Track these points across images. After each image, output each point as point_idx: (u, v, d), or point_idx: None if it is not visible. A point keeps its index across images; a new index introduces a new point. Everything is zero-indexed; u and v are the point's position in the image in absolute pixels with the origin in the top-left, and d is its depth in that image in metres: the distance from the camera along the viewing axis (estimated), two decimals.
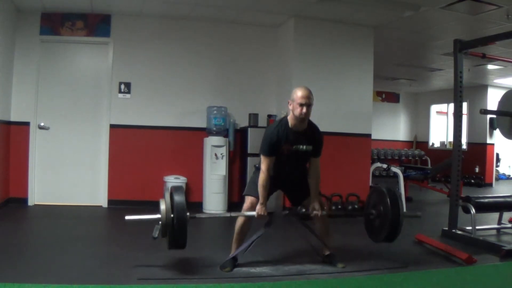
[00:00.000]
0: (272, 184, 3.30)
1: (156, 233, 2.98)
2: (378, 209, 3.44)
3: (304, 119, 3.23)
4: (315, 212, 3.31)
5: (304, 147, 3.26)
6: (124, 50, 5.88)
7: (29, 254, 3.43)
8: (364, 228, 3.62)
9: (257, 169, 3.33)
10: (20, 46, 5.60)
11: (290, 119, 3.26)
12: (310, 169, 3.37)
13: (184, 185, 5.70)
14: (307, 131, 3.29)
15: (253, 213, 3.21)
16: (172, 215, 2.92)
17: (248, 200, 3.30)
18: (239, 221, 3.33)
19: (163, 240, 3.07)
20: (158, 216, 2.99)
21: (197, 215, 3.24)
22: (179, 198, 2.97)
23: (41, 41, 5.68)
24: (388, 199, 3.35)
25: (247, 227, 3.34)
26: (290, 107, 3.23)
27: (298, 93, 3.19)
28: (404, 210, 6.14)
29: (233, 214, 3.34)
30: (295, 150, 3.25)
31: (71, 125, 5.78)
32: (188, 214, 2.98)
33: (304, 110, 3.16)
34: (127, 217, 3.08)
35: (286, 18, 5.91)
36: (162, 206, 2.99)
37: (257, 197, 3.25)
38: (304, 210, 3.39)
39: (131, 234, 4.29)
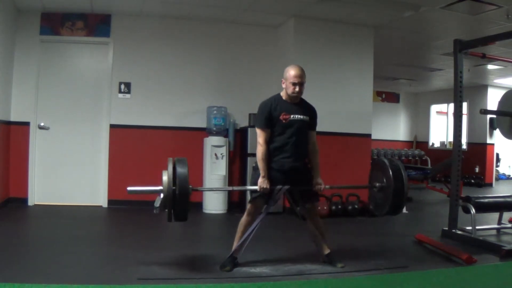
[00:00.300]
0: (279, 178, 3.26)
1: (158, 203, 2.98)
2: (382, 181, 3.41)
3: (297, 97, 3.30)
4: (318, 186, 3.32)
5: (302, 116, 3.30)
6: (124, 50, 5.88)
7: (29, 254, 3.43)
8: (369, 202, 3.56)
9: (255, 169, 3.32)
10: (20, 46, 5.60)
11: (283, 94, 3.35)
12: (309, 145, 3.39)
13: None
14: (301, 104, 3.36)
15: (256, 187, 3.22)
16: (174, 187, 2.92)
17: (251, 205, 3.31)
18: (243, 220, 3.32)
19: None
20: (160, 187, 2.99)
21: (199, 188, 3.23)
22: (181, 170, 2.97)
23: (41, 41, 5.68)
24: (390, 170, 3.33)
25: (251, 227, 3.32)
26: (283, 86, 3.32)
27: (291, 72, 3.25)
28: (404, 210, 6.21)
29: (235, 188, 3.35)
30: (293, 120, 3.27)
31: (71, 125, 5.78)
32: (190, 186, 2.98)
33: (297, 88, 3.24)
34: (129, 188, 3.10)
35: (286, 18, 5.91)
36: (164, 177, 2.99)
37: (261, 201, 3.26)
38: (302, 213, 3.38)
39: (131, 234, 4.30)
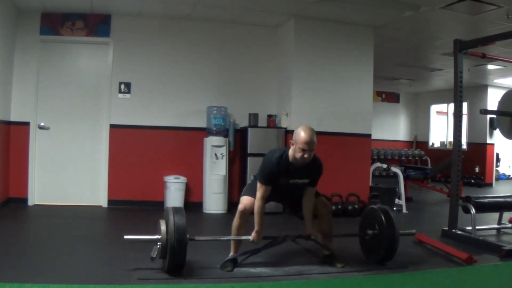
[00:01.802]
0: (268, 198, 3.31)
1: (154, 254, 2.99)
2: (374, 229, 3.45)
3: (305, 164, 3.18)
4: (313, 237, 3.35)
5: (301, 180, 3.28)
6: (124, 50, 5.88)
7: (29, 254, 3.43)
8: (360, 249, 3.63)
9: (255, 178, 3.34)
10: (20, 46, 5.60)
11: (291, 155, 3.19)
12: (304, 196, 3.36)
13: (184, 185, 5.70)
14: (308, 166, 3.23)
15: (250, 237, 3.24)
16: (172, 237, 2.91)
17: (242, 201, 3.31)
18: (235, 224, 3.32)
19: (162, 260, 3.07)
20: (158, 236, 3.00)
21: (196, 238, 3.25)
22: (179, 220, 2.97)
23: (41, 41, 5.68)
24: (383, 219, 3.36)
25: (244, 231, 3.33)
26: (292, 146, 3.17)
27: (302, 137, 3.08)
28: (404, 210, 6.22)
29: (230, 238, 3.35)
30: (292, 183, 3.27)
31: (71, 125, 5.78)
32: (187, 236, 2.98)
33: (306, 156, 3.10)
34: (125, 237, 3.09)
35: (286, 18, 5.91)
36: (163, 227, 2.99)
37: (251, 197, 3.27)
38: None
39: (131, 234, 4.29)
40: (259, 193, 3.21)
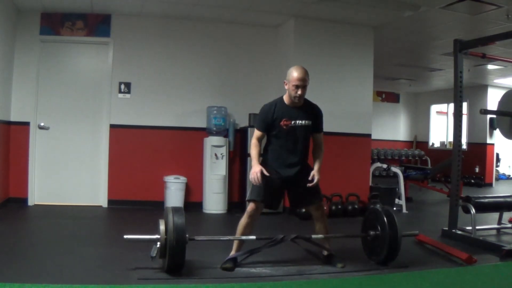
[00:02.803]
0: (277, 181, 3.27)
1: (154, 253, 2.99)
2: (376, 230, 3.45)
3: (299, 100, 3.24)
4: (313, 175, 3.26)
5: (304, 122, 3.27)
6: (124, 50, 5.88)
7: (29, 254, 3.43)
8: (363, 249, 3.62)
9: None
10: (20, 46, 5.60)
11: (286, 98, 3.29)
12: (313, 146, 3.37)
13: (184, 185, 5.70)
14: (305, 107, 3.30)
15: (251, 237, 3.25)
16: (171, 236, 2.91)
17: (251, 204, 3.30)
18: (242, 222, 3.33)
19: (161, 260, 3.07)
20: (157, 236, 3.00)
21: (196, 238, 3.25)
22: (179, 219, 2.97)
23: (41, 41, 5.68)
24: (386, 220, 3.36)
25: (250, 229, 3.34)
26: (286, 87, 3.26)
27: (294, 74, 3.20)
28: (404, 210, 6.22)
29: (231, 238, 3.35)
30: (294, 126, 3.25)
31: (71, 125, 5.78)
32: (187, 236, 2.98)
33: (299, 92, 3.18)
34: (125, 236, 3.09)
35: (286, 18, 5.91)
36: (162, 227, 3.00)
37: (260, 202, 3.26)
38: (303, 210, 3.38)
39: (131, 234, 4.29)
40: (254, 138, 3.27)
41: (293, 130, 3.26)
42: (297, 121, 3.25)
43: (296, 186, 3.35)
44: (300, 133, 3.29)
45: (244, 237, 3.29)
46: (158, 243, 2.99)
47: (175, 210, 3.07)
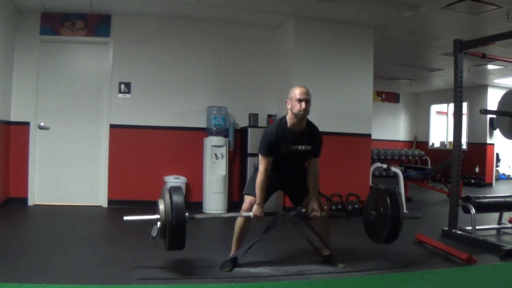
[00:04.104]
0: (272, 185, 3.31)
1: (154, 233, 2.98)
2: (378, 210, 3.43)
3: (303, 116, 3.21)
4: (314, 213, 3.29)
5: (303, 147, 3.26)
6: (124, 50, 5.88)
7: (29, 254, 3.43)
8: (364, 229, 3.62)
9: (256, 169, 3.32)
10: (20, 46, 5.60)
11: (289, 119, 3.26)
12: (308, 169, 3.36)
13: (184, 185, 5.70)
14: (306, 131, 3.28)
15: (251, 213, 3.21)
16: (171, 216, 2.91)
17: (248, 199, 3.30)
18: (239, 222, 3.33)
19: (163, 239, 3.07)
20: (157, 216, 2.98)
21: (196, 216, 3.24)
22: (178, 198, 2.96)
23: (41, 41, 5.68)
24: (388, 199, 3.34)
25: (247, 228, 3.34)
26: (289, 106, 3.23)
27: (296, 90, 3.22)
28: (404, 210, 6.21)
29: (232, 214, 3.33)
30: (294, 151, 3.25)
31: (71, 125, 5.78)
32: (187, 214, 2.97)
33: (303, 105, 3.16)
34: (125, 218, 3.07)
35: (286, 18, 5.91)
36: (161, 206, 2.97)
37: (255, 196, 3.25)
38: (303, 210, 3.37)
39: (131, 234, 4.29)
40: (261, 166, 3.21)
41: (292, 154, 3.27)
42: (298, 146, 3.25)
43: (291, 185, 3.41)
44: (299, 157, 3.31)
45: (245, 214, 3.25)
46: (158, 223, 2.96)
47: (174, 189, 3.05)
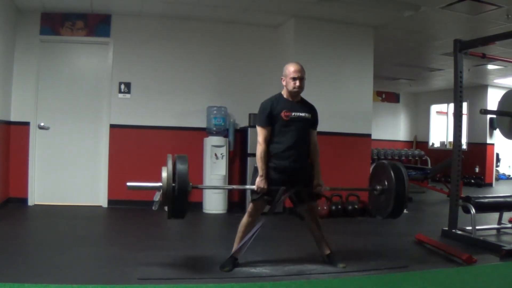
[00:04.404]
0: (278, 178, 3.24)
1: (157, 197, 2.96)
2: (383, 184, 3.40)
3: (298, 93, 3.28)
4: (318, 187, 3.30)
5: (304, 114, 3.29)
6: (124, 50, 5.88)
7: (29, 254, 3.43)
8: (369, 205, 3.56)
9: (256, 169, 3.31)
10: (20, 46, 5.60)
11: (284, 93, 3.33)
12: (310, 145, 3.38)
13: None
14: (302, 102, 3.35)
15: (253, 187, 3.21)
16: (173, 184, 2.89)
17: (252, 205, 3.29)
18: (244, 221, 3.33)
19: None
20: (160, 184, 2.97)
21: (199, 186, 3.22)
22: (181, 166, 2.94)
23: (41, 41, 5.68)
24: (392, 173, 3.32)
25: (252, 227, 3.33)
26: (284, 83, 3.30)
27: (291, 68, 3.26)
28: (404, 210, 6.21)
29: (235, 187, 3.32)
30: (295, 117, 3.25)
31: (71, 125, 5.78)
32: (190, 183, 2.96)
33: (298, 83, 3.22)
34: (128, 183, 3.08)
35: (286, 18, 5.91)
36: (164, 174, 2.96)
37: (263, 202, 3.24)
38: (302, 212, 3.36)
39: (131, 234, 4.30)
40: (260, 137, 3.24)
41: (293, 122, 3.25)
42: (298, 113, 3.27)
43: (296, 183, 3.34)
44: (300, 126, 3.28)
45: (248, 186, 3.25)
46: (161, 190, 2.95)
47: (178, 157, 3.04)
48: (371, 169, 3.72)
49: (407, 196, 3.32)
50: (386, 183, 3.39)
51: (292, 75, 3.23)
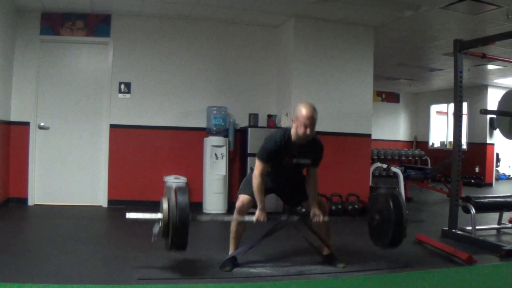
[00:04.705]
0: (266, 188, 3.30)
1: (156, 230, 2.96)
2: (382, 214, 3.42)
3: (308, 139, 3.19)
4: (316, 218, 3.30)
5: (305, 160, 3.28)
6: (124, 50, 5.88)
7: (29, 254, 3.42)
8: (368, 235, 3.60)
9: (253, 171, 3.33)
10: (20, 46, 5.60)
11: (293, 134, 3.21)
12: (308, 177, 3.36)
13: (184, 185, 5.70)
14: (310, 145, 3.26)
15: (253, 218, 3.21)
16: (175, 215, 2.89)
17: (240, 198, 3.30)
18: (233, 223, 3.33)
19: (164, 240, 3.07)
20: (160, 215, 2.97)
21: (198, 217, 3.23)
22: (182, 198, 2.94)
23: (41, 41, 5.68)
24: (391, 203, 3.33)
25: (242, 229, 3.34)
26: (294, 125, 3.18)
27: (303, 113, 3.11)
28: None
29: (234, 218, 3.32)
30: (296, 163, 3.27)
31: (71, 125, 5.78)
32: (190, 215, 2.96)
33: (308, 131, 3.11)
34: (128, 215, 3.04)
35: (286, 18, 5.91)
36: (165, 205, 2.96)
37: (249, 195, 3.26)
38: (304, 210, 3.38)
39: (131, 234, 4.30)
40: (257, 170, 3.20)
41: (293, 166, 3.29)
42: (300, 160, 3.26)
43: (288, 191, 3.44)
44: (299, 168, 3.37)
45: (247, 218, 3.25)
46: (161, 222, 2.94)
47: (179, 189, 3.04)
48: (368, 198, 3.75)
49: (406, 225, 3.32)
50: (384, 213, 3.40)
51: (303, 121, 3.10)
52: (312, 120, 3.11)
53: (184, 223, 2.89)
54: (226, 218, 3.55)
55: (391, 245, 3.38)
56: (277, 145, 3.19)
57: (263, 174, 3.21)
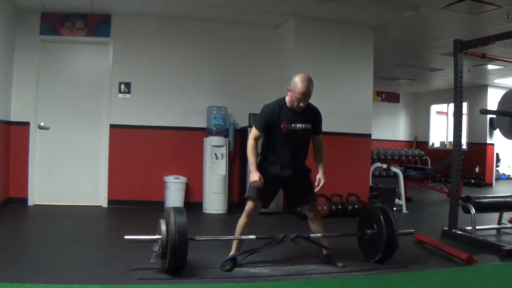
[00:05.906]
0: (274, 181, 3.30)
1: (156, 248, 2.97)
2: (372, 228, 3.45)
3: (301, 109, 3.24)
4: (319, 179, 3.32)
5: (303, 125, 3.27)
6: (124, 50, 5.88)
7: (29, 254, 3.43)
8: (359, 249, 3.62)
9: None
10: (20, 46, 5.60)
11: (288, 100, 3.27)
12: (314, 148, 3.39)
13: (184, 185, 5.70)
14: (304, 110, 3.28)
15: (252, 236, 3.26)
16: (174, 236, 2.89)
17: (248, 202, 3.31)
18: (241, 222, 3.34)
19: (162, 260, 3.07)
20: (158, 236, 2.98)
21: (197, 238, 3.24)
22: (180, 219, 2.95)
23: (41, 41, 5.68)
24: (382, 218, 3.36)
25: (248, 229, 3.35)
26: (289, 93, 3.24)
27: (299, 87, 3.14)
28: (404, 210, 6.22)
29: (231, 237, 3.35)
30: (294, 129, 3.25)
31: (71, 125, 5.78)
32: (188, 236, 2.96)
33: (302, 104, 3.19)
34: (126, 237, 3.06)
35: (286, 18, 5.91)
36: (163, 227, 2.97)
37: (257, 199, 3.27)
38: (303, 211, 3.38)
39: (131, 234, 4.29)
40: (251, 135, 3.26)
41: (292, 133, 3.26)
42: (297, 125, 3.25)
43: (292, 186, 3.39)
44: (300, 136, 3.30)
45: (244, 237, 3.30)
46: (159, 242, 2.96)
47: (177, 210, 3.06)
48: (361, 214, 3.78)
49: (397, 240, 3.35)
50: (375, 227, 3.42)
51: (298, 96, 3.15)
52: (307, 96, 3.17)
53: (183, 244, 2.90)
54: (222, 238, 3.59)
55: (380, 262, 3.40)
56: (273, 111, 3.23)
57: (257, 139, 3.25)
